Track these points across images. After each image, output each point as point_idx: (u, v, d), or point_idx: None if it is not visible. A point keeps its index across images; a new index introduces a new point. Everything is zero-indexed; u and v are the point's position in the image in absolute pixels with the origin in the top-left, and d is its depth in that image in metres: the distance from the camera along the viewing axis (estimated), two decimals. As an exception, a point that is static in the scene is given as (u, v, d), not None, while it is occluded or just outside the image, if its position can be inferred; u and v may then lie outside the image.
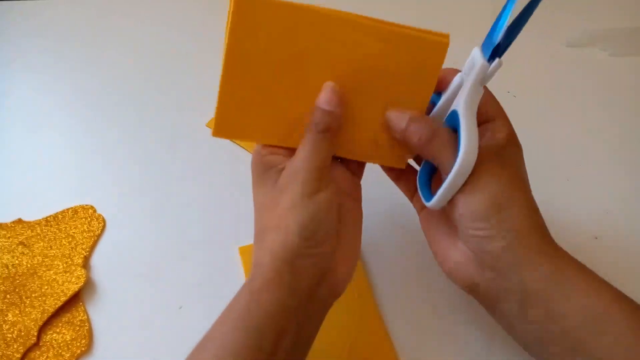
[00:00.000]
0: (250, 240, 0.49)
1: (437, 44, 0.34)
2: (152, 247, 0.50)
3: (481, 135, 0.36)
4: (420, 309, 0.46)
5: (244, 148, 0.56)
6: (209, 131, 0.57)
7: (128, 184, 0.54)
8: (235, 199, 0.53)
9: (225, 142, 0.57)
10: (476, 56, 0.34)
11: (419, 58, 0.35)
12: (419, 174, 0.39)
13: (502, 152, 0.36)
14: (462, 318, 0.46)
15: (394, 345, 0.44)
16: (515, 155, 0.37)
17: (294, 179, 0.35)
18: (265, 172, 0.37)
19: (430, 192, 0.37)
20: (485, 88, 0.36)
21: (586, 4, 0.70)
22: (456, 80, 0.36)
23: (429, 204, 0.37)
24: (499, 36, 0.33)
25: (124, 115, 0.59)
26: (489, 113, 0.37)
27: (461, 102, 0.34)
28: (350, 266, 0.38)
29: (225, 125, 0.36)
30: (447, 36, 0.34)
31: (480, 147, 0.34)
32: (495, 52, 0.33)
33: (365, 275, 0.48)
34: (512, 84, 0.61)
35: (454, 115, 0.35)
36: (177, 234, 0.51)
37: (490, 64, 0.33)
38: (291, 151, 0.37)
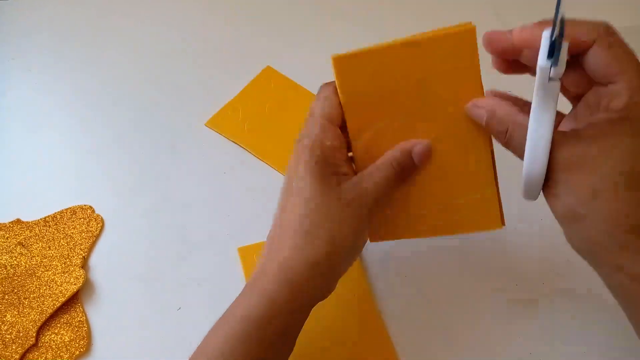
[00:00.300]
0: (249, 241, 0.49)
1: (465, 32, 0.35)
2: (151, 248, 0.49)
3: (582, 109, 0.33)
4: (420, 309, 0.46)
5: (241, 146, 0.56)
6: (208, 131, 0.58)
7: (127, 184, 0.54)
8: (235, 199, 0.53)
9: (225, 142, 0.56)
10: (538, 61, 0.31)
11: (457, 54, 0.35)
12: None
13: (598, 143, 0.30)
14: (462, 318, 0.45)
15: (394, 345, 0.44)
16: (624, 143, 0.29)
17: (365, 200, 0.36)
18: (324, 168, 0.36)
19: None
20: (600, 40, 0.30)
21: (588, 3, 0.70)
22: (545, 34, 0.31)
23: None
24: (555, 33, 0.30)
25: (123, 115, 0.59)
26: (604, 75, 0.30)
27: (533, 104, 0.31)
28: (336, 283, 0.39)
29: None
30: (470, 25, 0.35)
31: (565, 144, 0.30)
32: (552, 47, 0.30)
33: (365, 276, 0.47)
34: (513, 83, 0.60)
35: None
36: (176, 234, 0.50)
37: (551, 63, 0.30)
38: (351, 159, 0.38)
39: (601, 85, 0.31)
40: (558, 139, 0.31)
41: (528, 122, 0.32)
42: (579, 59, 0.32)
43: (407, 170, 0.37)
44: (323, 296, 0.37)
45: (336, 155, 0.37)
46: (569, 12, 0.69)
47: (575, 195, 0.31)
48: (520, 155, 0.32)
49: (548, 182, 0.32)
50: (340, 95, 0.37)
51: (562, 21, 0.29)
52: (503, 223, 0.38)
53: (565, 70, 0.30)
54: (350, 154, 0.39)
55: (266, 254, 0.37)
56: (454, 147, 0.37)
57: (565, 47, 0.30)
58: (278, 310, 0.33)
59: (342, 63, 0.37)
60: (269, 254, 0.36)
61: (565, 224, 0.32)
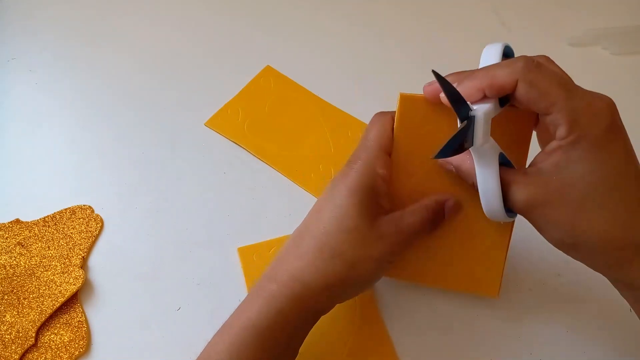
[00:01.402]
0: (249, 242, 0.49)
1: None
2: (151, 248, 0.49)
3: (542, 137, 0.36)
4: (420, 309, 0.46)
5: (240, 146, 0.56)
6: (208, 131, 0.57)
7: (126, 184, 0.54)
8: (235, 199, 0.53)
9: (224, 142, 0.56)
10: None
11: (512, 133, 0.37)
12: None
13: (560, 172, 0.31)
14: (462, 318, 0.45)
15: (394, 345, 0.44)
16: (580, 167, 0.30)
17: (395, 238, 0.36)
18: (367, 195, 0.36)
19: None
20: (523, 76, 0.30)
21: (589, 2, 0.70)
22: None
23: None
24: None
25: (123, 115, 0.59)
26: (539, 109, 0.31)
27: (476, 168, 0.34)
28: None
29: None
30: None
31: (531, 183, 0.32)
32: (460, 112, 0.31)
33: (365, 276, 0.47)
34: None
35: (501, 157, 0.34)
36: (176, 234, 0.50)
37: (469, 126, 0.31)
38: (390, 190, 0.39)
39: (542, 115, 0.31)
40: (521, 180, 0.32)
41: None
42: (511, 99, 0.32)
43: (437, 221, 0.38)
44: (326, 312, 0.38)
45: (383, 186, 0.37)
46: (575, 12, 0.69)
47: (558, 228, 0.32)
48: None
49: (532, 220, 0.34)
50: (395, 129, 0.38)
51: (457, 99, 0.31)
52: (499, 294, 0.41)
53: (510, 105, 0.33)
54: None
55: (281, 259, 0.37)
56: (478, 216, 0.38)
57: (480, 118, 0.31)
58: (284, 322, 0.34)
59: (408, 102, 0.38)
60: (285, 261, 0.36)
61: (564, 252, 0.34)
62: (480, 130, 0.31)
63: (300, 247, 0.36)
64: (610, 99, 0.31)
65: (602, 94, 0.31)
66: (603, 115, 0.30)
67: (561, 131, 0.30)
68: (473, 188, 0.35)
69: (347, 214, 0.35)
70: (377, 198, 0.37)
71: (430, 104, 0.37)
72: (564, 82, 0.31)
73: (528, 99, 0.30)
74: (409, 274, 0.42)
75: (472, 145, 0.31)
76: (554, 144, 0.31)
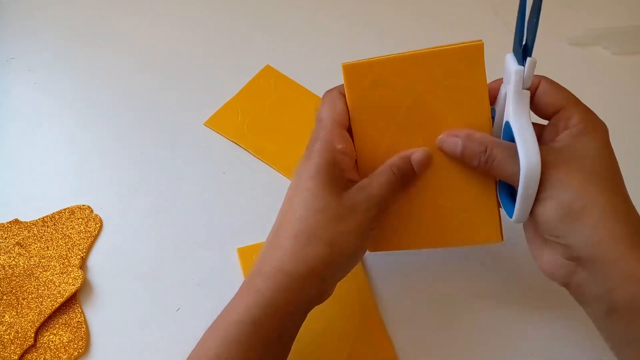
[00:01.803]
0: (248, 242, 0.49)
1: (473, 47, 0.36)
2: (150, 248, 0.49)
3: (547, 134, 0.36)
4: (420, 309, 0.46)
5: (240, 146, 0.56)
6: (208, 130, 0.57)
7: (125, 184, 0.54)
8: (234, 199, 0.52)
9: (224, 142, 0.56)
10: (509, 62, 0.36)
11: (464, 68, 0.37)
12: (499, 188, 0.39)
13: (571, 149, 0.34)
14: (462, 318, 0.45)
15: (394, 345, 0.44)
16: (590, 147, 0.34)
17: (367, 205, 0.36)
18: (331, 172, 0.36)
19: (513, 206, 0.36)
20: (545, 79, 0.36)
21: (589, 2, 0.69)
22: (502, 90, 0.37)
23: (512, 219, 0.36)
24: (523, 36, 0.34)
25: (122, 115, 0.59)
26: (554, 104, 0.35)
27: (510, 111, 0.35)
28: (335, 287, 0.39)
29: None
30: (479, 41, 0.36)
31: (545, 149, 0.33)
32: (525, 52, 0.34)
33: (365, 276, 0.47)
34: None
35: (507, 127, 0.35)
36: (175, 234, 0.50)
37: (525, 66, 0.34)
38: (352, 158, 0.39)
39: (556, 114, 0.36)
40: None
41: (504, 140, 0.36)
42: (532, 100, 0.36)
43: (407, 177, 0.38)
44: (320, 300, 0.37)
45: (345, 160, 0.37)
46: (576, 11, 0.69)
47: (568, 190, 0.32)
48: (499, 173, 0.35)
49: (541, 182, 0.33)
50: (348, 101, 0.38)
51: (534, 27, 0.33)
52: (502, 237, 0.39)
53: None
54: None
55: (264, 254, 0.36)
56: (457, 167, 0.38)
57: (532, 61, 0.34)
58: (273, 313, 0.33)
59: (352, 71, 0.38)
60: (267, 254, 0.36)
61: (561, 227, 0.33)
62: (532, 72, 0.35)
63: (279, 238, 0.35)
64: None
65: None
66: (602, 125, 0.35)
67: (573, 121, 0.34)
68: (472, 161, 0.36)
69: (315, 196, 0.35)
70: (342, 173, 0.37)
71: (375, 67, 0.37)
72: (570, 93, 0.36)
73: (549, 92, 0.35)
74: (401, 242, 0.41)
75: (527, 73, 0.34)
76: (565, 133, 0.34)
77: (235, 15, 0.68)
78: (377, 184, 0.37)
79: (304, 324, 0.37)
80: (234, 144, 0.56)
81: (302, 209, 0.35)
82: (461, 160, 0.37)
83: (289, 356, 0.36)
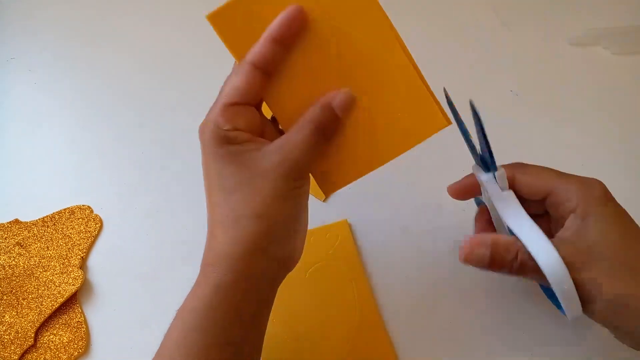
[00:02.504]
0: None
1: None
2: (150, 248, 0.49)
3: (553, 220, 0.36)
4: (420, 309, 0.46)
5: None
6: (208, 131, 0.57)
7: (125, 184, 0.54)
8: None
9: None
10: (478, 174, 0.36)
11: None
12: (544, 289, 0.38)
13: (586, 238, 0.33)
14: (462, 318, 0.45)
15: (394, 345, 0.44)
16: (603, 228, 0.33)
17: (284, 167, 0.33)
18: (226, 148, 0.33)
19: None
20: (517, 169, 0.36)
21: (589, 2, 0.69)
22: (480, 178, 0.37)
23: (569, 319, 0.35)
24: (477, 151, 0.36)
25: (123, 116, 0.59)
26: (538, 192, 0.36)
27: (504, 217, 0.34)
28: (302, 246, 0.37)
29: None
30: None
31: (561, 246, 0.32)
32: (485, 164, 0.35)
33: (365, 276, 0.47)
34: (514, 82, 0.61)
35: (511, 231, 0.34)
36: (175, 234, 0.50)
37: (495, 175, 0.35)
38: (255, 132, 0.34)
39: (548, 197, 0.35)
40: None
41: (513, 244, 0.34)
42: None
43: (331, 127, 0.35)
44: (284, 269, 0.36)
45: (240, 135, 0.33)
46: (576, 12, 0.68)
47: (606, 295, 0.32)
48: (533, 277, 0.34)
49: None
50: (234, 57, 0.34)
51: (484, 141, 0.34)
52: (448, 120, 0.35)
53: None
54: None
55: (206, 246, 0.35)
56: (370, 68, 0.34)
57: (500, 174, 0.35)
58: (224, 294, 0.32)
59: (220, 18, 0.34)
60: (207, 246, 0.35)
61: (610, 322, 0.33)
62: (504, 176, 0.35)
63: (211, 228, 0.35)
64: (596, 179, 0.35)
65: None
66: (596, 185, 0.35)
67: (569, 204, 0.34)
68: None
69: (223, 176, 0.33)
70: (242, 147, 0.33)
71: (243, 4, 0.33)
72: (550, 169, 0.36)
73: (527, 184, 0.36)
74: (353, 172, 0.37)
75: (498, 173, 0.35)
76: (569, 219, 0.34)
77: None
78: (296, 140, 0.33)
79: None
80: (234, 144, 0.56)
81: (217, 195, 0.34)
82: (370, 62, 0.34)
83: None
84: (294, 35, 0.33)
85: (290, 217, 0.34)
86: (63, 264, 0.47)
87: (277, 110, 0.35)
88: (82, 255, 0.48)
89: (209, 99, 0.59)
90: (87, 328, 0.45)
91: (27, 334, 0.44)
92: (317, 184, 0.37)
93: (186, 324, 0.33)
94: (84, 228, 0.50)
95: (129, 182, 0.54)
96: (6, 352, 0.43)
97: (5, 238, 0.49)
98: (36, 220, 0.50)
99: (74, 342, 0.44)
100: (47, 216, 0.51)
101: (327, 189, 0.38)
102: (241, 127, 0.34)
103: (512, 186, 0.36)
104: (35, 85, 0.62)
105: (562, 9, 0.68)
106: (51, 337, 0.44)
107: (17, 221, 0.50)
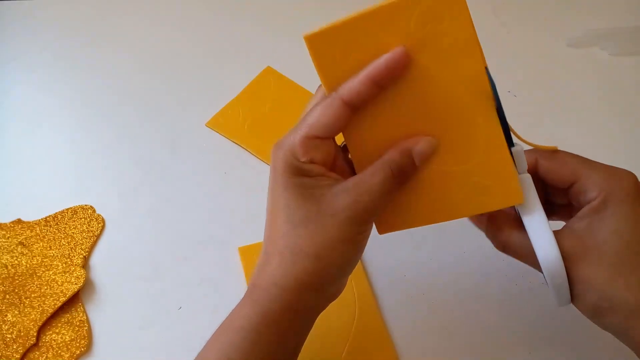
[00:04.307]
0: (249, 241, 0.49)
1: None
2: (152, 248, 0.50)
3: (571, 208, 0.35)
4: (420, 309, 0.46)
5: (241, 146, 0.56)
6: (209, 131, 0.58)
7: (127, 184, 0.54)
8: (235, 199, 0.53)
9: (225, 142, 0.57)
10: None
11: (444, 13, 0.31)
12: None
13: (593, 231, 0.31)
14: (462, 318, 0.45)
15: (394, 345, 0.44)
16: (613, 224, 0.31)
17: (354, 210, 0.32)
18: (299, 179, 0.33)
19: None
20: (541, 154, 0.34)
21: (587, 3, 0.70)
22: None
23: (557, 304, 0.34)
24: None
25: (124, 115, 0.59)
26: (563, 180, 0.34)
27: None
28: (346, 281, 0.37)
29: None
30: None
31: (566, 236, 0.32)
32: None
33: (365, 276, 0.47)
34: (512, 83, 0.61)
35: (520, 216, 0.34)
36: (177, 234, 0.50)
37: (511, 150, 0.33)
38: (328, 163, 0.34)
39: (572, 186, 0.33)
40: (556, 233, 0.32)
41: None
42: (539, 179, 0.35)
43: (407, 173, 0.34)
44: (326, 304, 0.36)
45: (315, 170, 0.33)
46: (574, 13, 0.68)
47: (593, 290, 0.31)
48: (522, 260, 0.35)
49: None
50: (322, 80, 0.33)
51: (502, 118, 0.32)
52: (522, 198, 0.34)
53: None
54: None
55: (258, 267, 0.35)
56: (458, 120, 0.33)
57: (517, 151, 0.33)
58: (272, 320, 0.33)
59: (318, 41, 0.32)
60: (260, 268, 0.35)
61: (597, 320, 0.33)
62: (521, 159, 0.33)
63: (268, 254, 0.34)
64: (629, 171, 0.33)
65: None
66: (626, 177, 0.32)
67: (590, 194, 0.32)
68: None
69: (290, 208, 0.33)
70: (316, 181, 0.33)
71: (343, 30, 0.32)
72: (579, 156, 0.34)
73: (551, 170, 0.34)
74: (414, 218, 0.36)
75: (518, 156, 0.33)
76: (585, 209, 0.32)
77: (236, 16, 0.69)
78: (370, 183, 0.32)
79: (307, 335, 0.37)
80: (236, 145, 0.56)
81: (282, 223, 0.33)
82: (461, 117, 0.33)
83: None
84: (394, 80, 0.32)
85: (349, 260, 0.34)
86: (65, 263, 0.47)
87: (354, 147, 0.34)
88: (84, 254, 0.48)
89: (210, 100, 0.59)
90: (89, 327, 0.45)
91: (29, 332, 0.44)
92: (375, 223, 0.36)
93: (230, 342, 0.33)
94: (87, 227, 0.50)
95: (131, 182, 0.54)
96: (9, 351, 0.43)
97: (8, 237, 0.49)
98: (39, 220, 0.50)
99: (76, 340, 0.44)
100: (49, 216, 0.51)
101: (383, 229, 0.37)
102: (317, 160, 0.33)
103: (535, 172, 0.34)
104: (36, 86, 0.62)
105: (560, 10, 0.68)
106: (53, 335, 0.44)
107: (19, 221, 0.50)
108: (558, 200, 0.36)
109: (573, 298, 0.33)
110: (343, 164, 0.35)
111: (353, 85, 0.31)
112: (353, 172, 0.35)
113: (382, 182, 0.32)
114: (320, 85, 0.34)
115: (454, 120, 0.33)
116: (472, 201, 0.34)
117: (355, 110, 0.32)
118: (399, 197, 0.35)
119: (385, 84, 0.31)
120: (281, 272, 0.33)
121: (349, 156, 0.35)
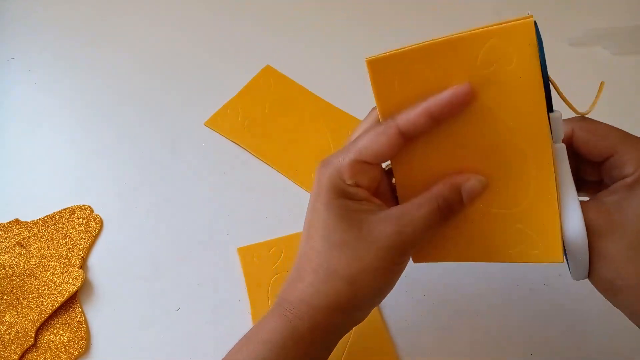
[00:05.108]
0: (248, 242, 0.49)
1: (520, 26, 0.30)
2: (150, 248, 0.49)
3: (605, 179, 0.33)
4: (420, 309, 0.46)
5: (240, 146, 0.56)
6: (208, 130, 0.57)
7: (126, 185, 0.54)
8: (235, 199, 0.52)
9: (224, 142, 0.56)
10: None
11: (511, 52, 0.30)
12: None
13: (622, 207, 0.30)
14: (463, 319, 0.45)
15: (394, 345, 0.44)
16: None
17: (394, 241, 0.31)
18: (342, 201, 0.32)
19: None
20: (579, 124, 0.33)
21: (589, 2, 0.70)
22: None
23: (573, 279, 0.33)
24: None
25: (122, 115, 0.59)
26: (600, 153, 0.32)
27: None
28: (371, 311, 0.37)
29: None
30: (529, 17, 0.30)
31: (593, 209, 0.31)
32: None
33: (365, 276, 0.47)
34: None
35: None
36: (175, 234, 0.50)
37: (549, 116, 0.31)
38: (373, 187, 0.34)
39: (608, 159, 0.32)
40: (584, 205, 0.31)
41: None
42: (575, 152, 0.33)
43: (453, 210, 0.33)
44: (351, 327, 0.36)
45: (360, 194, 0.33)
46: (576, 12, 0.68)
47: (611, 266, 0.30)
48: None
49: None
50: (377, 105, 0.33)
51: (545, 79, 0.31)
52: (563, 257, 0.33)
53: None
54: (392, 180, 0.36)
55: (289, 282, 0.35)
56: (512, 164, 0.32)
57: (555, 116, 0.31)
58: (299, 338, 0.33)
59: (379, 66, 0.32)
60: (291, 283, 0.35)
61: (609, 296, 0.32)
62: (558, 125, 0.31)
63: (301, 270, 0.34)
64: None
65: None
66: None
67: (626, 170, 0.31)
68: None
69: (330, 228, 0.32)
70: (359, 205, 0.33)
71: (406, 59, 0.31)
72: (620, 130, 0.32)
73: (588, 142, 0.32)
74: (450, 254, 0.35)
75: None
76: (618, 184, 0.31)
77: (235, 15, 0.68)
78: (415, 215, 0.32)
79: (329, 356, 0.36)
80: (234, 144, 0.56)
81: (319, 241, 0.33)
82: (515, 163, 0.32)
83: None
84: (452, 116, 0.31)
85: (381, 289, 0.34)
86: (63, 264, 0.47)
87: (401, 175, 0.34)
88: (82, 255, 0.48)
89: (209, 99, 0.59)
90: (87, 328, 0.45)
91: (27, 333, 0.44)
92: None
93: (255, 354, 0.33)
94: (85, 228, 0.50)
95: (129, 182, 0.54)
96: (6, 352, 0.43)
97: (6, 238, 0.49)
98: (36, 220, 0.50)
99: (74, 341, 0.44)
100: (47, 216, 0.51)
101: (418, 258, 0.37)
102: (362, 184, 0.33)
103: (570, 142, 0.33)
104: (35, 85, 0.62)
105: (561, 10, 0.68)
106: (51, 336, 0.44)
107: (17, 221, 0.50)
108: (587, 175, 0.35)
109: (589, 273, 0.32)
110: (386, 189, 0.35)
111: (411, 116, 0.31)
112: (395, 198, 0.35)
113: (427, 216, 0.32)
114: (373, 110, 0.34)
115: (508, 163, 0.32)
116: (512, 248, 0.34)
117: (408, 140, 0.32)
118: (439, 230, 0.34)
119: (444, 119, 0.31)
120: (312, 291, 0.33)
121: (393, 181, 0.35)
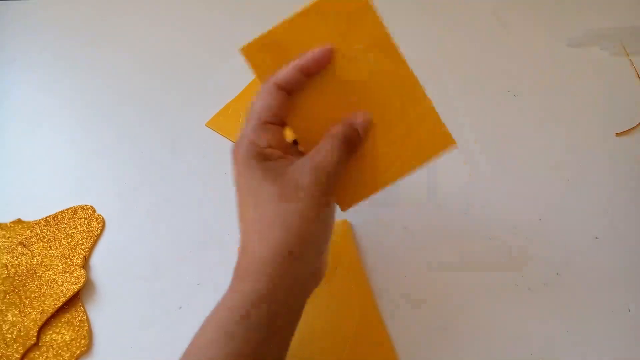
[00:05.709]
0: (250, 241, 0.49)
1: None
2: (152, 247, 0.50)
3: None
4: (420, 309, 0.46)
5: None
6: (209, 131, 0.58)
7: (127, 185, 0.54)
8: (235, 199, 0.53)
9: (225, 142, 0.57)
10: None
11: (353, 14, 0.37)
12: None
13: None
14: (462, 318, 0.45)
15: (394, 345, 0.44)
16: None
17: (315, 176, 0.34)
18: (262, 164, 0.35)
19: None
20: None
21: (587, 3, 0.70)
22: None
23: None
24: None
25: (124, 116, 0.59)
26: None
27: None
28: (326, 267, 0.38)
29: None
30: None
31: None
32: None
33: (365, 276, 0.47)
34: (512, 83, 0.61)
35: None
36: (177, 234, 0.50)
37: None
38: (285, 150, 0.36)
39: None
40: None
41: None
42: None
43: (354, 143, 0.37)
44: (313, 281, 0.37)
45: (274, 152, 0.36)
46: (574, 13, 0.68)
47: None
48: None
49: None
50: (260, 81, 0.37)
51: None
52: (453, 141, 0.38)
53: None
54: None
55: (240, 249, 0.36)
56: (383, 93, 0.38)
57: None
58: (259, 299, 0.33)
59: (252, 51, 0.37)
60: (242, 249, 0.36)
61: None
62: None
63: (243, 241, 0.36)
64: None
65: None
66: None
67: None
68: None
69: (256, 192, 0.35)
70: (277, 162, 0.35)
71: (271, 38, 0.37)
72: None
73: None
74: (367, 189, 0.40)
75: None
76: None
77: (236, 15, 0.69)
78: (322, 154, 0.35)
79: (303, 322, 0.36)
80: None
81: (252, 209, 0.35)
82: (384, 86, 0.37)
83: (288, 355, 0.36)
84: (318, 71, 0.36)
85: (317, 233, 0.35)
86: (66, 263, 0.47)
87: (300, 132, 0.38)
88: (84, 254, 0.48)
89: (210, 100, 0.59)
90: (89, 327, 0.45)
91: (29, 332, 0.44)
92: (336, 201, 0.39)
93: (220, 324, 0.33)
94: (87, 227, 0.50)
95: (131, 182, 0.54)
96: (9, 351, 0.43)
97: (8, 238, 0.49)
98: (39, 220, 0.50)
99: (77, 340, 0.44)
100: (49, 216, 0.51)
101: (345, 204, 0.40)
102: (274, 146, 0.36)
103: None
104: (35, 85, 0.62)
105: (560, 10, 0.68)
106: (54, 335, 0.44)
107: (19, 221, 0.50)
108: None
109: None
110: (295, 152, 0.38)
111: (282, 72, 0.36)
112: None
113: (337, 146, 0.35)
114: (264, 83, 0.38)
115: (382, 94, 0.38)
116: (415, 156, 0.39)
117: (289, 93, 0.36)
118: (350, 174, 0.38)
119: (311, 73, 0.36)
120: (260, 248, 0.34)
121: (299, 148, 0.39)
